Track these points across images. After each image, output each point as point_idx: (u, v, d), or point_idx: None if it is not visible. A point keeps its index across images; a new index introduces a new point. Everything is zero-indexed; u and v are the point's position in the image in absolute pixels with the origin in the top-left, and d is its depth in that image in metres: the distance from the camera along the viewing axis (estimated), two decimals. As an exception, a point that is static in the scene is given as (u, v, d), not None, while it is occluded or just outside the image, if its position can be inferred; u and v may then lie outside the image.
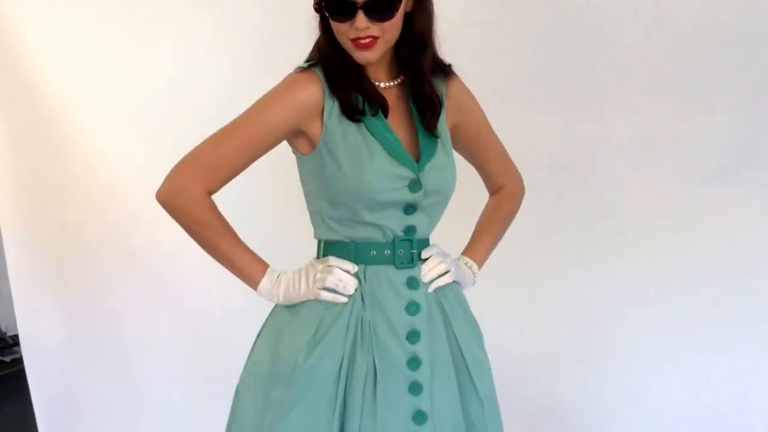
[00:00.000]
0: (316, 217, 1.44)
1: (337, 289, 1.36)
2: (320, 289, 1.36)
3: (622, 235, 2.29)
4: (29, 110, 2.60)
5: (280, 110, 1.35)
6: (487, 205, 1.65)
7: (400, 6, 1.32)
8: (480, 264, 1.59)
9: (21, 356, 4.31)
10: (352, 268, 1.38)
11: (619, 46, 2.20)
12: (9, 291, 2.81)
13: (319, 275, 1.38)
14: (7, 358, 4.43)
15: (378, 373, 1.35)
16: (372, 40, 1.32)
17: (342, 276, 1.36)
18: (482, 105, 1.57)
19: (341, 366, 1.35)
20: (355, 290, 1.37)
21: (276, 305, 1.47)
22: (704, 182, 2.17)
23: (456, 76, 1.50)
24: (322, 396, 1.34)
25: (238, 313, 2.43)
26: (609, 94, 2.22)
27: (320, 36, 1.40)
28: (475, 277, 1.56)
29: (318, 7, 1.36)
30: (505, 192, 1.65)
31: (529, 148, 2.11)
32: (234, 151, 1.36)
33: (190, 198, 1.35)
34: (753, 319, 2.21)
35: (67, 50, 2.52)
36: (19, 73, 2.56)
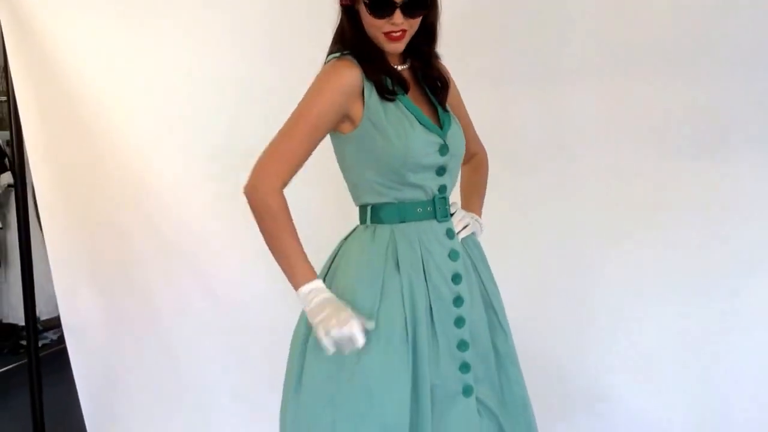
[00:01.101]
0: (361, 186, 1.64)
1: (340, 344, 1.46)
2: (323, 335, 1.46)
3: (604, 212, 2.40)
4: (64, 105, 2.73)
5: (331, 96, 1.55)
6: (466, 171, 1.85)
7: (428, 5, 1.58)
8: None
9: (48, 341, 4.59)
10: (371, 325, 1.51)
11: (588, 26, 2.30)
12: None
13: (333, 321, 1.45)
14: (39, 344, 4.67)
15: (433, 311, 1.58)
16: (402, 32, 1.57)
17: (355, 334, 1.45)
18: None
19: (404, 307, 1.56)
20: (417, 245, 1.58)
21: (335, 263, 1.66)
22: (678, 156, 2.27)
23: (440, 58, 1.73)
24: (395, 332, 1.54)
25: (270, 294, 2.57)
26: (581, 74, 2.32)
27: (346, 29, 1.60)
28: (482, 227, 1.78)
29: (348, 4, 1.56)
30: (479, 158, 1.90)
31: (506, 128, 2.27)
32: (302, 144, 1.54)
33: (270, 191, 1.52)
34: (725, 275, 2.29)
35: (98, 47, 2.64)
36: (54, 70, 2.69)
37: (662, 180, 2.28)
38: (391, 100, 1.58)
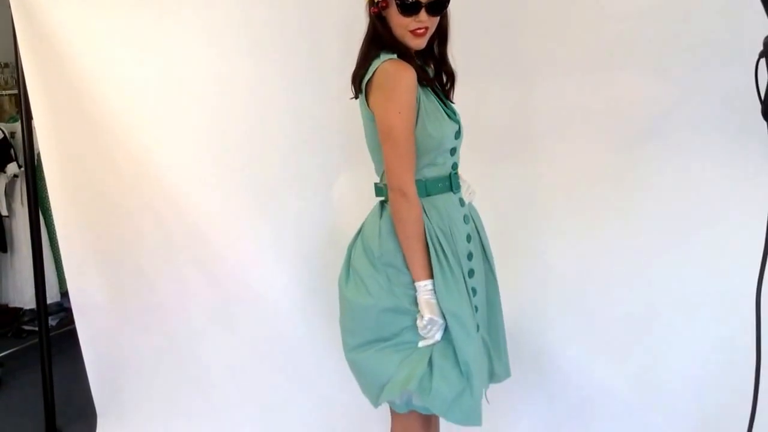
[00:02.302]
0: None
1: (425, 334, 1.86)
2: (425, 328, 1.85)
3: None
4: (73, 96, 2.85)
5: (409, 98, 1.81)
6: None
7: (448, 4, 1.86)
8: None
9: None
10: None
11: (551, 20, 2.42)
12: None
13: (436, 328, 1.85)
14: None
15: (450, 263, 1.87)
16: (425, 29, 1.84)
17: (438, 339, 1.86)
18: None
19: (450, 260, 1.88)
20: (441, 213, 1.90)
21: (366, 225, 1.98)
22: (637, 144, 2.39)
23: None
24: (456, 281, 1.90)
25: (269, 274, 2.77)
26: (545, 64, 2.45)
27: (382, 33, 1.85)
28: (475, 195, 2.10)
29: (378, 12, 1.82)
30: None
31: (480, 118, 2.38)
32: (411, 149, 1.82)
33: (416, 200, 1.83)
34: (670, 249, 2.41)
35: (107, 38, 2.74)
36: (64, 62, 2.80)
37: (621, 165, 2.43)
38: (433, 91, 1.89)
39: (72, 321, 4.54)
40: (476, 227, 2.03)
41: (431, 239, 1.86)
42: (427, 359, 1.86)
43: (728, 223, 2.28)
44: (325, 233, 2.66)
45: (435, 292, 1.84)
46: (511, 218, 2.51)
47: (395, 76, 1.79)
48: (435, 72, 1.99)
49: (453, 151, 1.93)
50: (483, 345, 2.00)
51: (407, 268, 1.85)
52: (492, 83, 2.48)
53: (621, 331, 2.46)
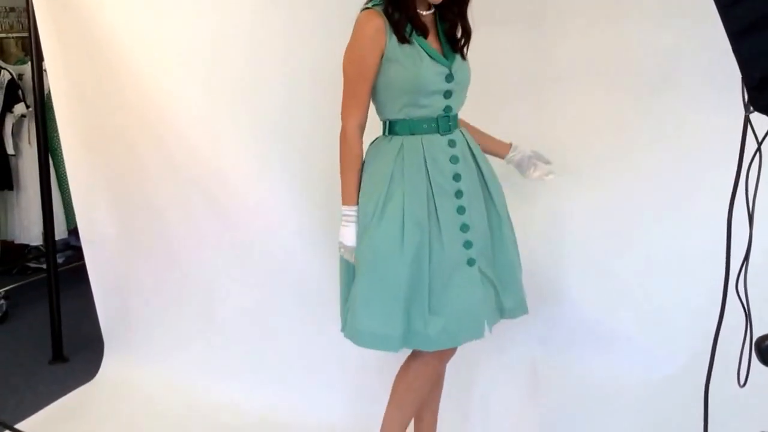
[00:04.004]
0: (383, 105, 2.06)
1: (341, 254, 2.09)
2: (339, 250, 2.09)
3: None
4: (83, 34, 2.95)
5: (363, 45, 1.97)
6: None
7: None
8: None
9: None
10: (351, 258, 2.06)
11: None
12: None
13: (342, 250, 2.08)
14: (44, 266, 4.99)
15: (436, 203, 2.00)
16: None
17: (350, 260, 2.06)
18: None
19: (403, 201, 1.99)
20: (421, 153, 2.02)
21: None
22: (644, 94, 2.46)
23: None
24: (396, 219, 1.99)
25: (278, 207, 2.87)
26: (560, 18, 2.51)
27: None
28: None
29: None
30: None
31: (492, 65, 2.46)
32: (359, 92, 2.01)
33: (352, 132, 2.03)
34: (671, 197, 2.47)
35: None
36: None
37: (623, 116, 2.51)
38: (407, 42, 1.96)
39: (78, 258, 4.76)
40: (478, 169, 2.11)
41: (383, 175, 2.02)
42: (347, 296, 2.12)
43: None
44: (332, 167, 2.77)
45: (356, 220, 2.04)
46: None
47: (359, 24, 1.97)
48: (450, 25, 2.07)
49: (447, 95, 2.02)
50: (483, 279, 2.07)
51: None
52: (505, 31, 2.54)
53: (629, 273, 2.53)
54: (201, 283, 3.09)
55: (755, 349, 1.10)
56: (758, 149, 1.20)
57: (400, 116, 2.03)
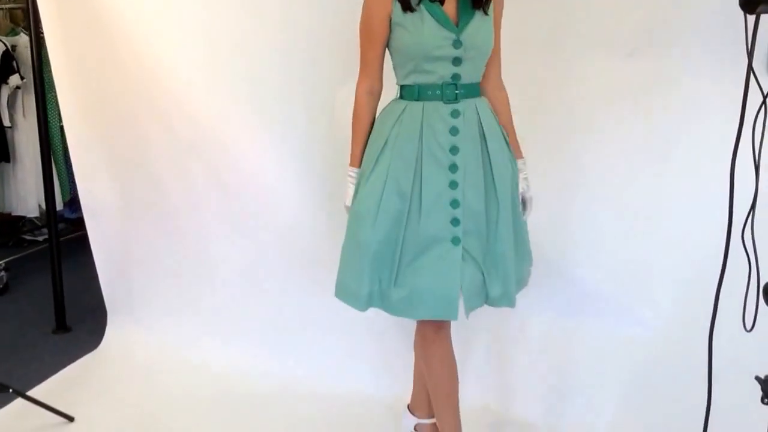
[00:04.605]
0: (396, 69, 2.04)
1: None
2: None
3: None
4: (81, 2, 2.94)
5: (375, 9, 1.96)
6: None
7: None
8: None
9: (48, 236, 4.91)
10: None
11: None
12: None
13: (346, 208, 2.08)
14: (39, 238, 5.03)
15: (424, 173, 1.96)
16: None
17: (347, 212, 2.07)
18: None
19: (389, 165, 1.98)
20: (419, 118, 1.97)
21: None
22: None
23: None
24: (378, 182, 1.98)
25: (277, 173, 2.89)
26: None
27: None
28: (527, 187, 2.17)
29: None
30: (498, 101, 2.14)
31: None
32: (370, 57, 2.01)
33: (360, 97, 2.05)
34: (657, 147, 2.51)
35: None
36: None
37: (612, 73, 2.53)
38: (410, 9, 1.92)
39: (72, 231, 4.78)
40: (483, 144, 2.01)
41: (380, 138, 2.01)
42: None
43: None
44: (330, 135, 2.80)
45: (356, 181, 2.05)
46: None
47: None
48: None
49: (456, 62, 1.94)
50: (468, 261, 1.99)
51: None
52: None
53: (620, 232, 2.56)
54: (202, 250, 3.12)
55: (764, 294, 1.14)
56: (764, 101, 1.24)
57: (407, 82, 2.00)
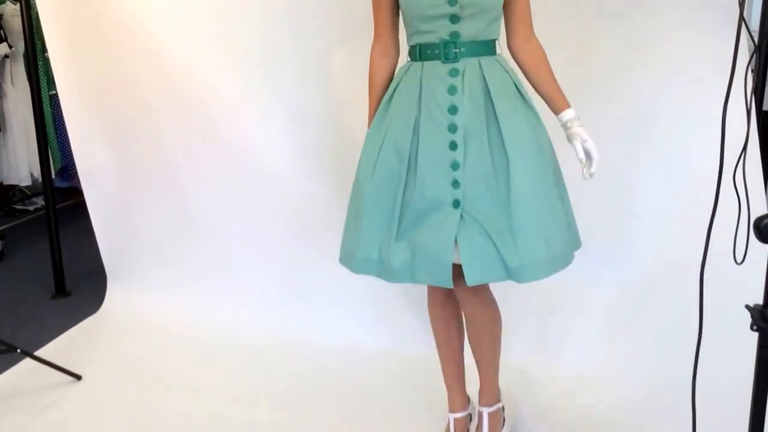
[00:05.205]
0: (406, 32, 2.00)
1: None
2: None
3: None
4: None
5: None
6: (526, 73, 2.02)
7: None
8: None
9: (39, 205, 4.95)
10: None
11: None
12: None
13: None
14: (30, 207, 5.05)
15: (421, 132, 1.91)
16: None
17: None
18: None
19: (387, 123, 1.97)
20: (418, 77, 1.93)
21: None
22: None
23: None
24: (377, 139, 1.98)
25: (274, 135, 2.91)
26: None
27: None
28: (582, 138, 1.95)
29: None
30: (532, 56, 2.00)
31: None
32: (378, 15, 2.01)
33: (372, 60, 2.04)
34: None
35: None
36: None
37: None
38: None
39: (63, 200, 4.81)
40: (489, 103, 1.91)
41: (386, 99, 2.01)
42: None
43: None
44: (325, 99, 2.85)
45: None
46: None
47: None
48: None
49: (455, 19, 1.88)
50: (471, 226, 1.88)
51: None
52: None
53: (604, 180, 2.50)
54: (201, 212, 3.16)
55: (754, 229, 1.23)
56: (756, 49, 1.32)
57: (411, 42, 1.97)
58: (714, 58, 2.26)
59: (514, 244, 1.86)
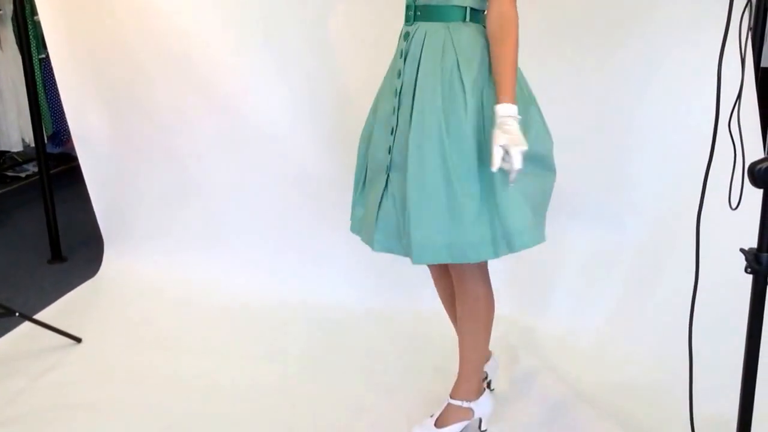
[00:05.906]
0: None
1: None
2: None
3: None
4: None
5: None
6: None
7: None
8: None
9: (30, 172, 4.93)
10: None
11: None
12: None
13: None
14: (22, 174, 5.04)
15: (380, 95, 1.97)
16: None
17: None
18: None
19: (379, 92, 2.00)
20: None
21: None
22: None
23: None
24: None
25: (270, 97, 2.90)
26: None
27: None
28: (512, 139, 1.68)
29: None
30: (498, 23, 1.74)
31: None
32: None
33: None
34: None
35: None
36: None
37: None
38: None
39: (56, 166, 4.79)
40: (417, 66, 1.81)
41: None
42: None
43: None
44: (325, 61, 2.83)
45: None
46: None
47: None
48: None
49: None
50: (389, 193, 1.90)
51: None
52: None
53: (601, 144, 2.61)
54: (196, 175, 3.16)
55: (748, 174, 1.26)
56: (748, 1, 1.33)
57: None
58: (710, 16, 2.28)
59: (409, 223, 1.80)
